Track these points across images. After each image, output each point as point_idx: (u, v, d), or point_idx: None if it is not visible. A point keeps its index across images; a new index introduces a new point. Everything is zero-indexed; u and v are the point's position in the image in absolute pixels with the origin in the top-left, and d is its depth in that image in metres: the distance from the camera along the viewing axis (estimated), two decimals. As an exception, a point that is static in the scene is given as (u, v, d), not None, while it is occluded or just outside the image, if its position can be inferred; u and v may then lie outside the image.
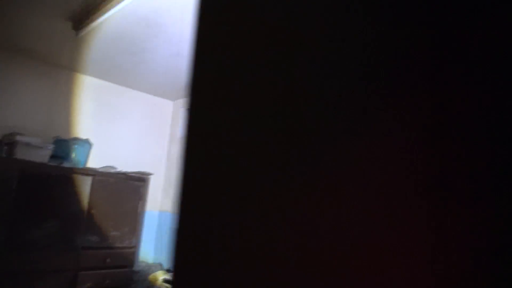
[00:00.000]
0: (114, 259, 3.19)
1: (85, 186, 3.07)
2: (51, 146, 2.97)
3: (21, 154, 2.76)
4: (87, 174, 3.11)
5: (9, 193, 2.69)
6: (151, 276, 3.03)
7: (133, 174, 3.42)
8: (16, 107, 3.27)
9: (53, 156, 2.99)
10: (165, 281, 2.95)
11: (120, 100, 3.91)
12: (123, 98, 3.93)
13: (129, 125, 3.96)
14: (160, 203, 4.12)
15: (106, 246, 3.17)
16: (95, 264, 3.09)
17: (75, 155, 3.13)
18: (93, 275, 3.06)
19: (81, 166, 3.22)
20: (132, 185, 3.39)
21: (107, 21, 2.48)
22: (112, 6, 2.19)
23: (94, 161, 3.45)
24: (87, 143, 3.31)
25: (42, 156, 2.89)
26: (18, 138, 2.80)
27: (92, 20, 2.39)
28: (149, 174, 3.56)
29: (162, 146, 4.24)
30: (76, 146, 3.14)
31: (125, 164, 3.72)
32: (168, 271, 3.11)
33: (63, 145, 3.09)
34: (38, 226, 2.80)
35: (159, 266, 3.36)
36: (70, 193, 3.01)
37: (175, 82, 3.63)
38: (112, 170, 3.32)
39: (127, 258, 3.30)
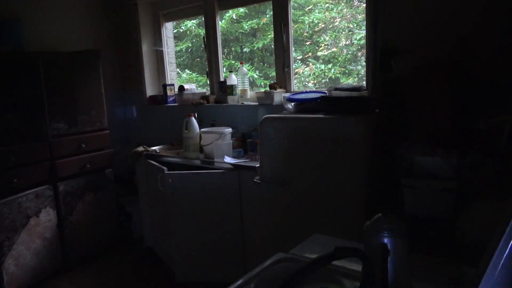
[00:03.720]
0: (89, 143, 3.09)
1: (35, 69, 2.75)
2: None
3: None
4: (33, 56, 2.75)
5: None
6: (132, 153, 3.00)
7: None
8: None
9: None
10: (147, 153, 2.93)
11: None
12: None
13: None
14: (119, 80, 3.86)
15: (77, 132, 3.03)
16: (70, 151, 2.99)
17: (10, 36, 2.70)
18: (71, 162, 2.98)
19: (20, 48, 2.83)
20: (87, 64, 3.07)
21: None
22: None
23: (32, 45, 3.04)
24: (19, 22, 2.85)
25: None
26: None
27: None
28: (98, 51, 3.22)
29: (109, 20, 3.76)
30: (7, 26, 2.69)
31: (67, 44, 3.32)
32: (145, 146, 3.07)
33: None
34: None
35: (137, 143, 3.31)
36: (20, 78, 2.70)
37: None
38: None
39: (102, 140, 3.20)
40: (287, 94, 2.73)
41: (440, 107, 1.78)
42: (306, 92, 2.41)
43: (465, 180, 1.48)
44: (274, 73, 2.98)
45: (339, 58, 4.02)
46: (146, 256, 3.15)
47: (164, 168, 2.51)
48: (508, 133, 1.34)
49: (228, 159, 2.48)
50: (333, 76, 3.96)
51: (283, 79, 2.92)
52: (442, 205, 1.46)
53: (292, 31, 2.92)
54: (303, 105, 2.17)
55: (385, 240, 0.91)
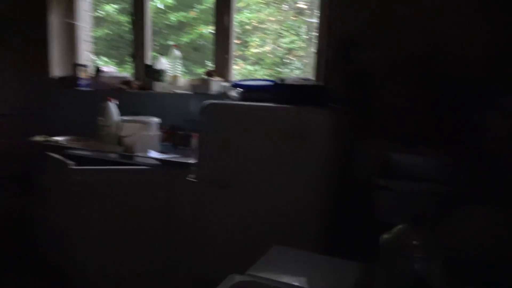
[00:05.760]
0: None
1: None
2: None
3: None
4: None
5: None
6: (30, 144, 2.38)
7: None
8: None
9: None
10: (49, 144, 2.34)
11: None
12: None
13: None
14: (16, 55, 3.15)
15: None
16: None
17: None
18: None
19: None
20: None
21: None
22: None
23: None
24: None
25: None
26: None
27: None
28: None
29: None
30: None
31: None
32: (47, 135, 2.48)
33: None
34: None
35: (37, 133, 2.67)
36: None
37: None
38: None
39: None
40: (227, 83, 2.41)
41: (410, 103, 1.59)
42: (253, 79, 2.09)
43: (445, 182, 1.27)
44: (199, 70, 2.71)
45: (267, 61, 3.94)
46: (46, 269, 2.53)
47: (71, 162, 1.98)
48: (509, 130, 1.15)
49: (154, 154, 2.04)
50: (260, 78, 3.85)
51: (221, 66, 2.57)
52: (425, 211, 1.23)
53: (234, 15, 2.59)
54: (252, 92, 1.84)
55: (419, 265, 0.61)
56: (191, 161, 1.84)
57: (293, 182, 1.57)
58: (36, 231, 2.69)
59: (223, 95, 2.20)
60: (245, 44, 3.98)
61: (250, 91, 1.85)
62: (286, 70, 3.75)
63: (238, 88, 1.91)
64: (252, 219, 1.63)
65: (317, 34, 2.24)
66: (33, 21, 3.07)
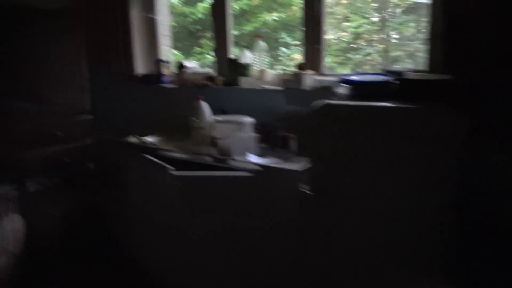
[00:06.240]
0: (63, 130, 2.44)
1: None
2: None
3: None
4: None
5: None
6: (123, 145, 2.37)
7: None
8: None
9: None
10: (143, 146, 2.31)
11: None
12: None
13: None
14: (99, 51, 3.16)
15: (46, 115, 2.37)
16: (37, 139, 2.33)
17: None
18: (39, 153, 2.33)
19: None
20: (63, 26, 2.40)
21: None
22: None
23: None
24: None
25: None
26: None
27: None
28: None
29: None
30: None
31: None
32: (138, 136, 2.45)
33: None
34: None
35: (121, 132, 2.66)
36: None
37: None
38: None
39: (82, 127, 2.55)
40: (321, 77, 2.21)
41: None
42: (360, 73, 1.87)
43: None
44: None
45: (333, 47, 3.68)
46: (132, 271, 2.55)
47: (170, 167, 1.91)
48: None
49: (254, 158, 1.91)
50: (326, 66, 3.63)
51: (312, 58, 2.37)
52: None
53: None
54: (364, 89, 1.63)
55: None
56: (300, 167, 1.68)
57: (419, 194, 1.37)
58: (122, 230, 2.70)
59: (324, 90, 2.00)
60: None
61: (362, 88, 1.64)
62: (357, 56, 3.49)
63: (346, 84, 1.70)
64: (372, 236, 1.45)
65: (431, 16, 1.96)
66: (114, 15, 3.05)
